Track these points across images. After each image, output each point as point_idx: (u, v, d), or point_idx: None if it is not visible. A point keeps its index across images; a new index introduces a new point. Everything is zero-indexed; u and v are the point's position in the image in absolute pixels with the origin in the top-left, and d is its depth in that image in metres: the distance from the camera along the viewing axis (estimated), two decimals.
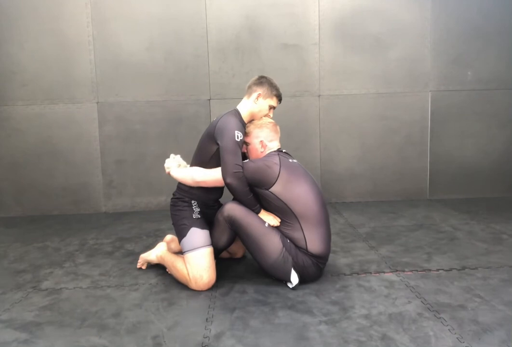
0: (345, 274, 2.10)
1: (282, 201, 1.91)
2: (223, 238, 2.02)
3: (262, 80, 2.09)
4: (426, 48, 3.76)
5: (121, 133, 3.74)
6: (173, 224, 2.13)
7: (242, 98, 2.16)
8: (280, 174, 1.90)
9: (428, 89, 3.81)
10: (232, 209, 1.94)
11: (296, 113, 3.79)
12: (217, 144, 1.96)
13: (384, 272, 2.12)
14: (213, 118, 2.14)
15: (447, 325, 1.56)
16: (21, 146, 3.72)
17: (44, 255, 2.61)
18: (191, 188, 2.08)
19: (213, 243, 2.02)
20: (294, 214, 1.91)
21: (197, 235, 1.98)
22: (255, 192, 1.98)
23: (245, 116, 2.10)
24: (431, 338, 1.48)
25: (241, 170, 1.88)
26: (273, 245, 1.89)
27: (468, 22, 3.75)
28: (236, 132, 1.91)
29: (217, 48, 3.69)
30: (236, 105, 2.15)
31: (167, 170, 2.15)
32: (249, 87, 2.11)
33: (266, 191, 1.92)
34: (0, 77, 3.66)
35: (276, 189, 1.90)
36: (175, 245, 2.34)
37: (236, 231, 1.96)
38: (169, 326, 1.63)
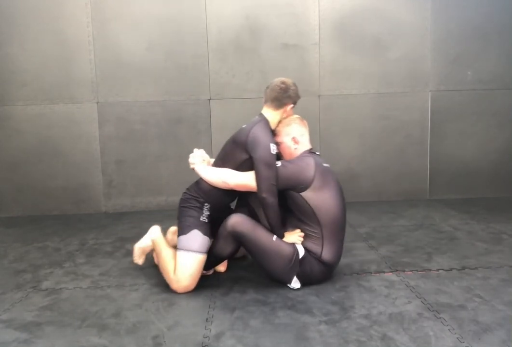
0: (345, 274, 2.10)
1: (310, 206, 1.89)
2: (228, 249, 1.97)
3: (289, 93, 2.04)
4: (426, 48, 3.76)
5: (121, 133, 3.74)
6: (177, 218, 2.09)
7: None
8: (314, 180, 1.87)
9: (428, 89, 3.81)
10: (238, 223, 1.89)
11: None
12: (248, 154, 1.94)
13: (384, 272, 2.12)
14: (243, 124, 2.06)
15: (447, 325, 1.56)
16: (21, 146, 3.71)
17: (44, 255, 2.60)
18: (212, 189, 2.04)
19: (217, 253, 1.99)
20: (318, 220, 1.90)
21: (196, 239, 1.96)
22: (284, 194, 1.95)
23: (273, 124, 2.09)
24: (431, 338, 1.48)
25: (276, 184, 1.87)
26: (282, 257, 1.87)
27: (468, 22, 3.74)
28: (271, 145, 1.91)
29: (217, 48, 3.69)
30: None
31: (191, 166, 2.12)
32: (277, 99, 2.03)
33: (297, 194, 1.90)
34: (0, 77, 3.66)
35: (307, 194, 1.88)
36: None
37: (243, 245, 1.93)
38: (169, 326, 1.63)
